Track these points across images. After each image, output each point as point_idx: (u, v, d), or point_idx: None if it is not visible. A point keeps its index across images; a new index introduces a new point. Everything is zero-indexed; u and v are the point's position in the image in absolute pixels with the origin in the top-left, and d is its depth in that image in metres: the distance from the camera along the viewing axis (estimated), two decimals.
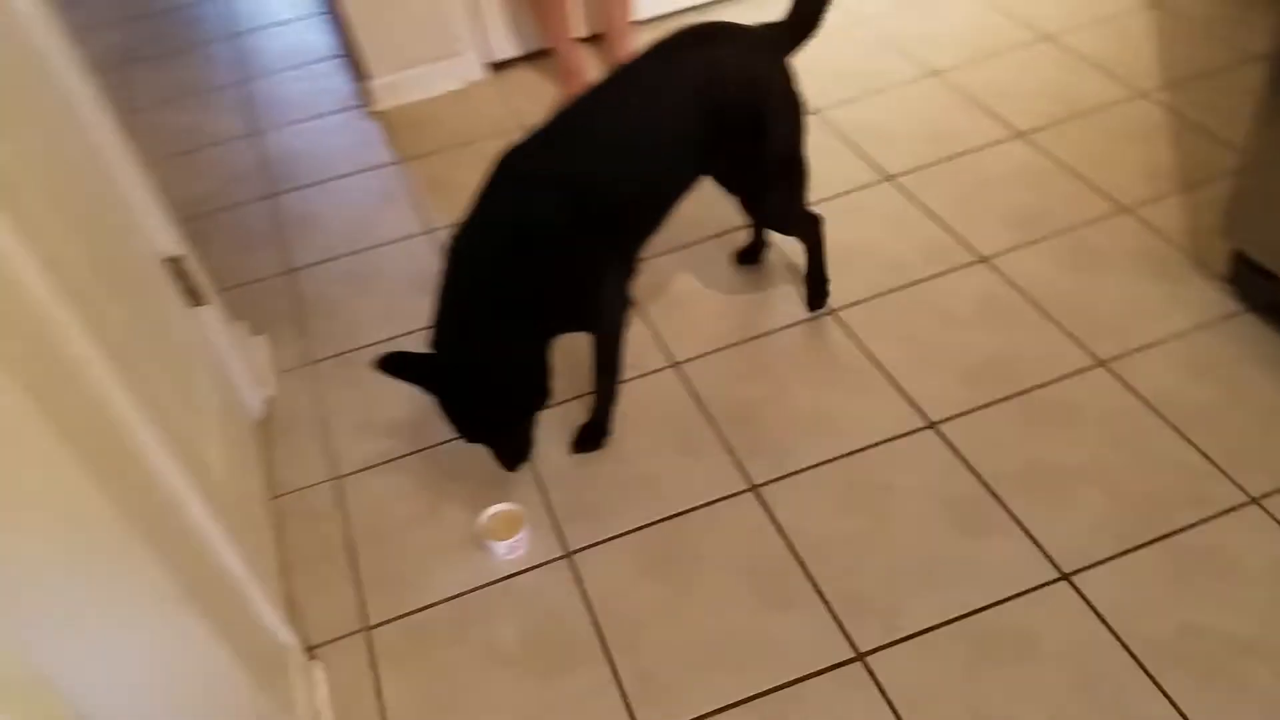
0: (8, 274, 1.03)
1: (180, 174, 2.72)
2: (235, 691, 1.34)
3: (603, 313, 1.75)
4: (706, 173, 1.82)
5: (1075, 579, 1.58)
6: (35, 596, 1.10)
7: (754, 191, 1.87)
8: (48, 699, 1.19)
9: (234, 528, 1.46)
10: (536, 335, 1.67)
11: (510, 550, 1.73)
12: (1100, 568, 1.59)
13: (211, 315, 1.87)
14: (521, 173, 1.65)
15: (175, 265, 1.74)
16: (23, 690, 1.16)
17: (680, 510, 1.77)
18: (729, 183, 1.85)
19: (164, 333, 1.57)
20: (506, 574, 1.71)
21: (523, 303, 1.60)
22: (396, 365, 1.61)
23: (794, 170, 1.88)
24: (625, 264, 1.75)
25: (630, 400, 1.96)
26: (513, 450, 1.74)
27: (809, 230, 2.02)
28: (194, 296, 1.79)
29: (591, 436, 1.89)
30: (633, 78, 1.74)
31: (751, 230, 2.20)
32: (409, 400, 1.62)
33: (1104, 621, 1.52)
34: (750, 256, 2.22)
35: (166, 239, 1.75)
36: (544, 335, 1.69)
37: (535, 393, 1.69)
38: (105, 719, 1.25)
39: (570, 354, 1.78)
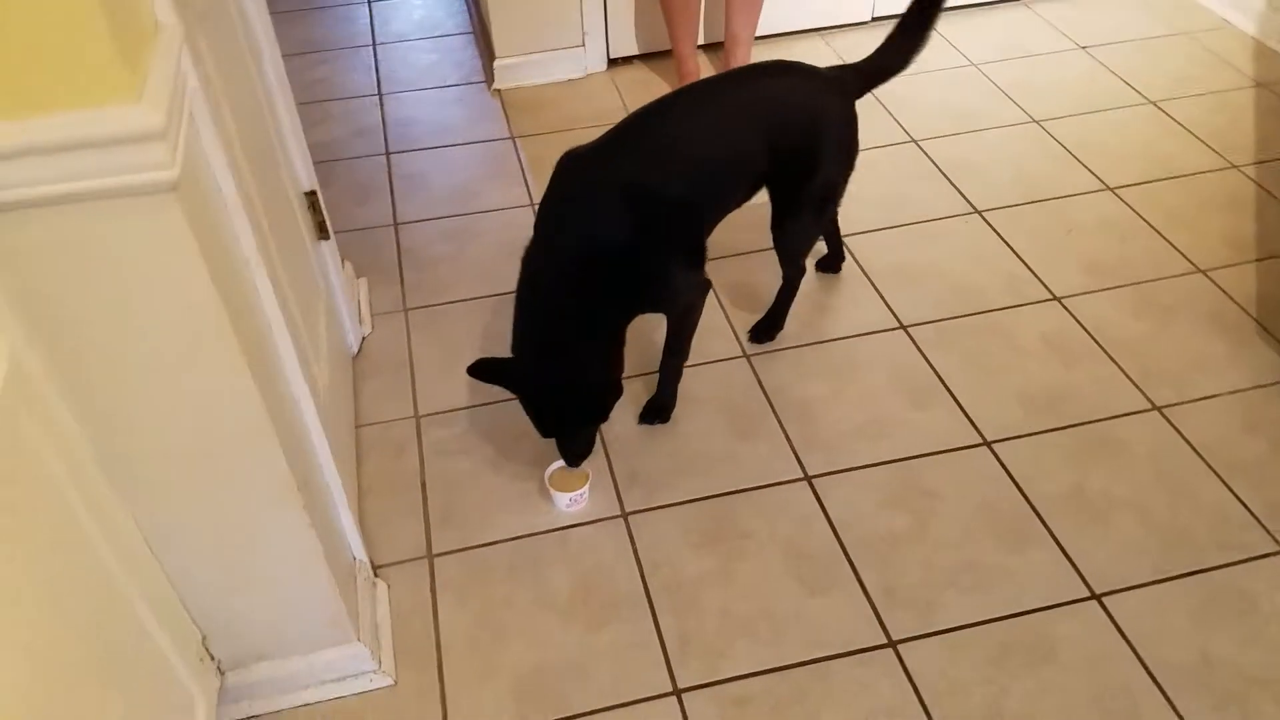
0: (210, 173, 1.17)
1: (306, 121, 2.86)
2: (318, 588, 1.46)
3: (676, 298, 1.85)
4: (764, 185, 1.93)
5: (1105, 599, 1.66)
6: (186, 469, 1.24)
7: (786, 212, 1.94)
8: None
9: (331, 442, 1.59)
10: (611, 329, 1.77)
11: (571, 503, 1.85)
12: (1129, 592, 1.67)
13: (330, 251, 2.01)
14: (587, 179, 1.74)
15: (311, 199, 1.90)
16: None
17: (735, 489, 1.87)
18: (771, 198, 1.94)
19: (297, 256, 1.71)
20: (564, 525, 1.83)
21: (594, 305, 1.71)
22: (483, 370, 1.76)
23: (824, 209, 1.98)
24: (692, 253, 1.83)
25: (700, 383, 2.07)
26: (578, 447, 1.83)
27: (799, 271, 2.09)
28: (321, 230, 1.94)
29: (657, 409, 2.00)
30: (703, 95, 1.84)
31: (830, 241, 2.30)
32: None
33: (1127, 641, 1.60)
34: (829, 265, 2.32)
35: (305, 174, 1.90)
36: (619, 325, 1.78)
37: (607, 393, 1.78)
38: (204, 597, 1.40)
39: (639, 334, 1.89)
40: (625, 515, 1.84)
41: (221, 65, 1.33)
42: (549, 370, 1.72)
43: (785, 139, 1.83)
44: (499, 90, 3.07)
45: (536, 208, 1.80)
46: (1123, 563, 1.72)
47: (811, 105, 1.86)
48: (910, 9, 1.89)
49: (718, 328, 2.21)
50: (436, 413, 2.06)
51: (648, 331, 1.97)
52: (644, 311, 1.85)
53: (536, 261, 1.74)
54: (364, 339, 2.23)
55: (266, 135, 1.64)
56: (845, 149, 1.91)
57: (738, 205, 1.91)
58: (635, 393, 2.04)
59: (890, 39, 1.92)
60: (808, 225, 1.99)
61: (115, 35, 0.90)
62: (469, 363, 1.75)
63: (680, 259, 1.80)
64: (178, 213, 1.01)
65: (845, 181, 1.95)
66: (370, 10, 3.61)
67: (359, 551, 1.71)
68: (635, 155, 1.75)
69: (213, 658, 1.48)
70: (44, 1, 0.87)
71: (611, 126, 1.80)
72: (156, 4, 1.05)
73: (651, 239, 1.71)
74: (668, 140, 1.76)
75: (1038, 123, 2.81)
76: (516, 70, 3.05)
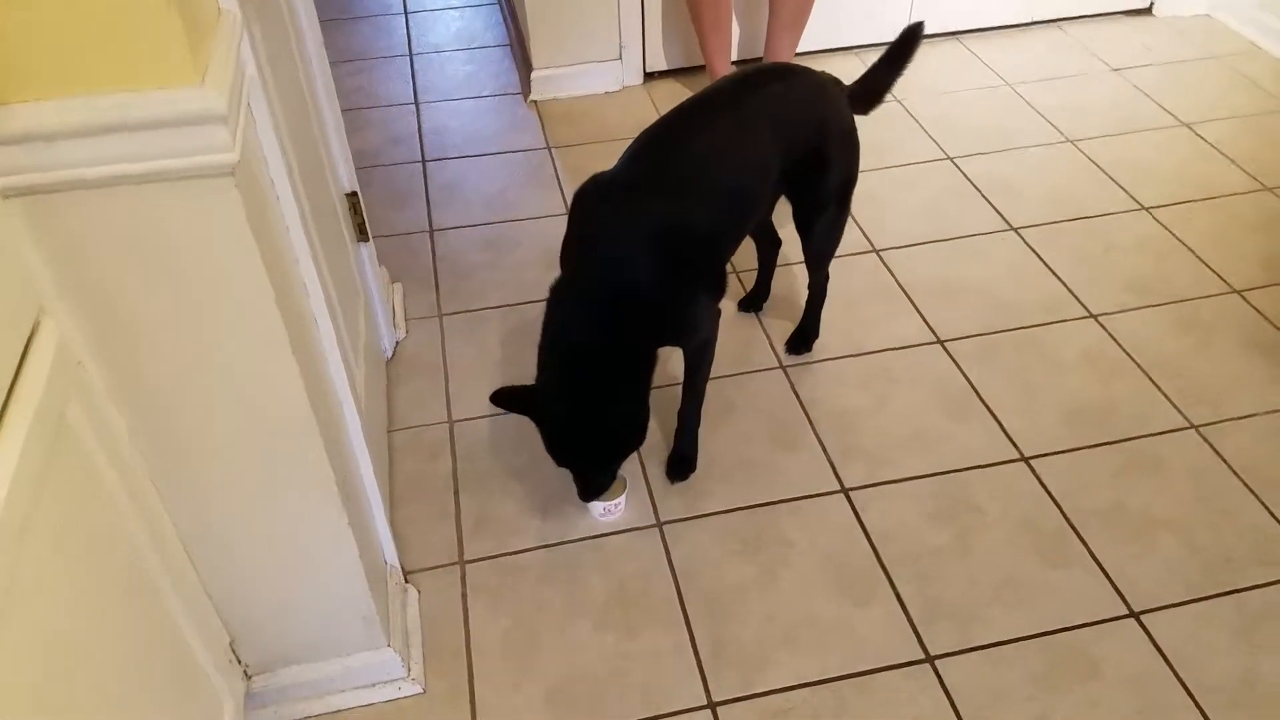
0: (264, 163, 1.18)
1: (345, 127, 2.91)
2: (354, 590, 1.45)
3: (695, 332, 1.80)
4: (781, 193, 1.90)
5: (1144, 617, 1.64)
6: (227, 462, 1.23)
7: (812, 212, 1.93)
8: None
9: (369, 446, 1.58)
10: (637, 366, 1.72)
11: (606, 512, 1.83)
12: (1169, 610, 1.65)
13: (369, 254, 2.02)
14: (612, 215, 1.68)
15: (352, 200, 1.90)
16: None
17: (772, 500, 1.86)
18: (794, 206, 1.93)
19: (338, 256, 1.71)
20: (599, 533, 1.82)
21: (621, 342, 1.66)
22: (506, 398, 1.71)
23: (845, 202, 1.95)
24: (714, 283, 1.80)
25: (737, 393, 2.07)
26: (594, 485, 1.79)
27: (826, 275, 2.08)
28: (361, 232, 1.94)
29: (684, 462, 1.92)
30: (717, 108, 1.79)
31: (758, 279, 2.28)
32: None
33: (1166, 659, 1.58)
34: (752, 304, 2.29)
35: (347, 176, 1.91)
36: (645, 361, 1.73)
37: (632, 432, 1.74)
38: (236, 596, 1.39)
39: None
40: (661, 524, 1.83)
41: (273, 60, 1.34)
42: (573, 404, 1.67)
43: (797, 142, 1.81)
44: (535, 101, 3.09)
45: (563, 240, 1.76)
46: (1162, 581, 1.69)
47: (816, 103, 1.85)
48: (891, 49, 1.95)
49: (754, 339, 2.20)
50: (470, 418, 2.05)
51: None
52: (664, 345, 1.80)
53: (563, 298, 1.70)
54: (398, 343, 2.23)
55: (311, 133, 1.64)
56: (852, 141, 1.91)
57: (759, 221, 1.89)
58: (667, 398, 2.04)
59: (870, 71, 1.95)
60: (834, 221, 1.96)
61: (180, 16, 0.90)
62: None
63: (702, 291, 1.76)
64: (235, 198, 1.01)
65: (857, 173, 1.93)
66: (407, 21, 3.64)
67: (391, 556, 1.70)
68: (659, 184, 1.69)
69: (240, 661, 1.47)
70: None
71: (632, 142, 1.75)
72: None
73: (677, 274, 1.67)
74: (690, 164, 1.71)
75: (1072, 142, 2.80)
76: (553, 82, 3.07)
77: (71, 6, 0.88)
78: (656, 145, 1.74)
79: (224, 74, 0.97)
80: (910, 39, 1.94)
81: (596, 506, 1.82)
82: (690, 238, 1.68)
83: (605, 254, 1.68)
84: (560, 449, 1.73)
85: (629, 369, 1.70)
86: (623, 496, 1.84)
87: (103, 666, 1.02)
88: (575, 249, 1.72)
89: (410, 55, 3.41)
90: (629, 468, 1.91)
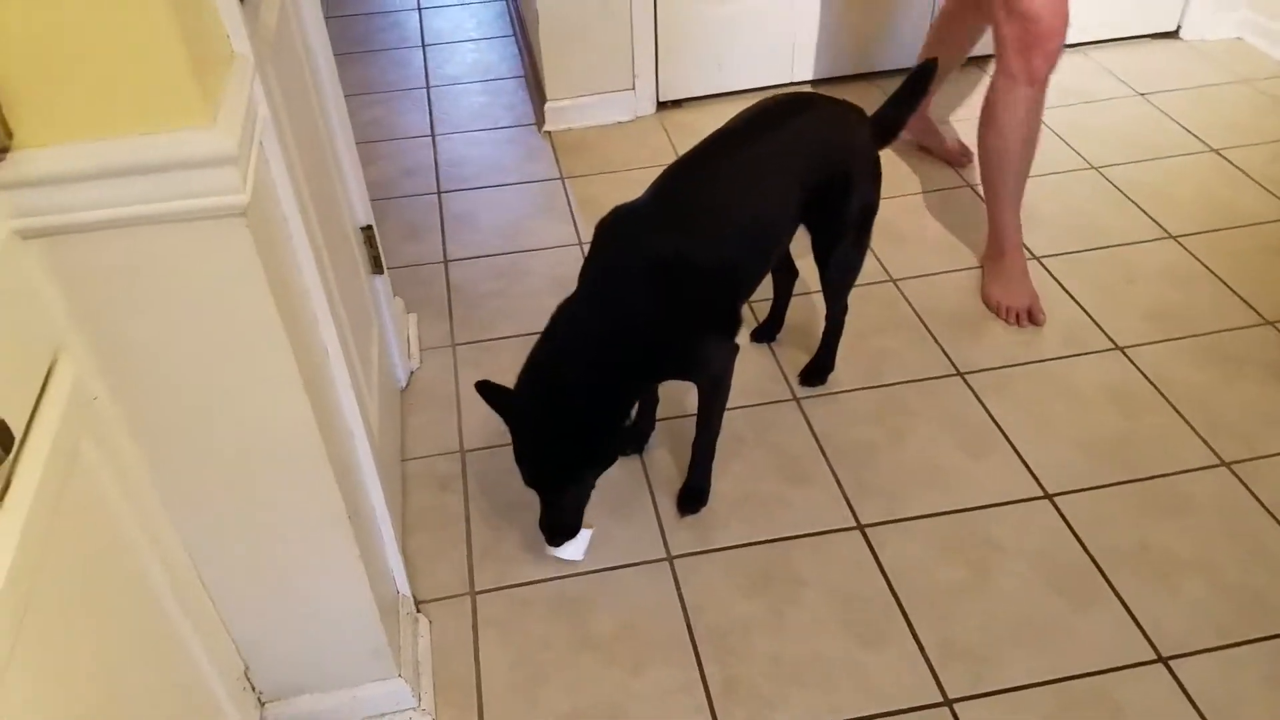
0: (277, 202, 1.18)
1: (362, 159, 2.90)
2: (364, 621, 1.44)
3: (706, 368, 1.77)
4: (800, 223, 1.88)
5: (1172, 663, 1.59)
6: (241, 496, 1.23)
7: (832, 243, 1.90)
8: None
9: (380, 473, 1.58)
10: (626, 395, 1.70)
11: (567, 551, 1.80)
12: (1198, 656, 1.60)
13: (384, 285, 2.02)
14: (632, 249, 1.66)
15: (367, 234, 1.91)
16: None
17: (785, 535, 1.83)
18: (813, 236, 1.91)
19: (352, 289, 1.71)
20: (609, 565, 1.80)
21: (616, 372, 1.64)
22: (487, 390, 1.69)
23: (865, 231, 1.93)
24: (730, 321, 1.77)
25: (749, 425, 2.04)
26: (560, 519, 1.75)
27: (844, 308, 2.06)
28: (376, 265, 1.95)
29: (693, 496, 1.90)
30: (739, 146, 1.76)
31: (772, 309, 2.26)
32: None
33: (1196, 708, 1.53)
34: (766, 334, 2.28)
35: (362, 209, 1.91)
36: (636, 392, 1.72)
37: (602, 448, 1.70)
38: (250, 626, 1.38)
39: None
40: (671, 558, 1.81)
41: (288, 98, 1.34)
42: (548, 403, 1.65)
43: (820, 173, 1.79)
44: (549, 132, 3.09)
45: (585, 245, 1.76)
46: (1191, 624, 1.65)
47: (839, 133, 1.84)
48: (905, 84, 1.93)
49: (767, 370, 2.18)
50: (482, 448, 2.04)
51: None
52: (665, 379, 1.78)
53: (569, 316, 1.69)
54: (412, 373, 2.23)
55: (327, 169, 1.65)
56: (874, 170, 1.89)
57: (778, 257, 1.87)
58: (660, 436, 2.02)
59: (885, 107, 1.93)
60: (853, 252, 1.94)
61: (192, 61, 0.91)
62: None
63: (712, 328, 1.73)
64: (246, 238, 1.01)
65: (878, 202, 1.91)
66: (425, 54, 3.67)
67: (402, 585, 1.69)
68: (677, 220, 1.67)
69: (254, 688, 1.46)
70: (123, 26, 0.88)
71: (657, 177, 1.74)
72: (232, 34, 1.06)
73: (691, 315, 1.66)
74: (711, 201, 1.69)
75: (1096, 169, 2.77)
76: (567, 113, 3.08)
77: (86, 52, 0.89)
78: (679, 180, 1.73)
79: (235, 116, 0.97)
80: (924, 75, 1.93)
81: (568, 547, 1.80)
82: (704, 275, 1.65)
83: (611, 283, 1.67)
84: (525, 461, 1.70)
85: (607, 394, 1.66)
86: (586, 534, 1.80)
87: (116, 693, 1.02)
88: (591, 274, 1.72)
89: (427, 87, 3.43)
90: (640, 500, 1.90)
